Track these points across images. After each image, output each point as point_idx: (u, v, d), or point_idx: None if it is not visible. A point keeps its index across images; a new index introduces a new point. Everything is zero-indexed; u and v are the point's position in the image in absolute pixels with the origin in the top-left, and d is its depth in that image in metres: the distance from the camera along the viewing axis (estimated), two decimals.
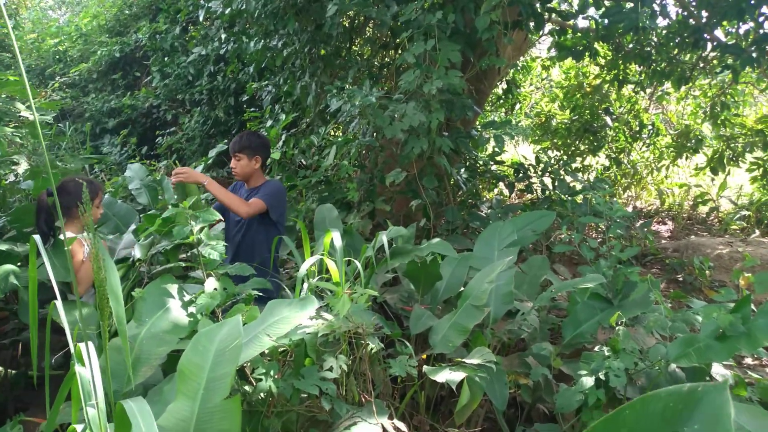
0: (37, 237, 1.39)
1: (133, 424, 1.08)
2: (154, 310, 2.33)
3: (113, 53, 10.19)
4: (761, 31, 4.84)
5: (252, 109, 7.02)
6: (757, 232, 7.82)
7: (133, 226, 3.91)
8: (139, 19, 10.50)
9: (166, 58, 8.88)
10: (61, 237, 2.90)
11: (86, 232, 3.31)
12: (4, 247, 2.97)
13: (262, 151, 3.67)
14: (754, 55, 4.69)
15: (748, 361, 4.05)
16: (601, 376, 2.43)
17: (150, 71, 9.54)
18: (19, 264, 3.11)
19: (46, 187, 3.60)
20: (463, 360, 2.59)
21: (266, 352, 2.28)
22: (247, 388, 2.23)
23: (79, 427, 1.21)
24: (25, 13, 13.25)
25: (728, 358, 2.32)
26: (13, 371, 3.83)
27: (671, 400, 1.19)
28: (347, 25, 5.46)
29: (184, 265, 3.36)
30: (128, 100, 9.74)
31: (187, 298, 2.40)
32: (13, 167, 3.28)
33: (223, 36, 6.82)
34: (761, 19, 4.78)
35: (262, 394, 2.20)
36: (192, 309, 2.33)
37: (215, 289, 2.42)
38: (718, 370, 2.63)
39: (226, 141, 7.54)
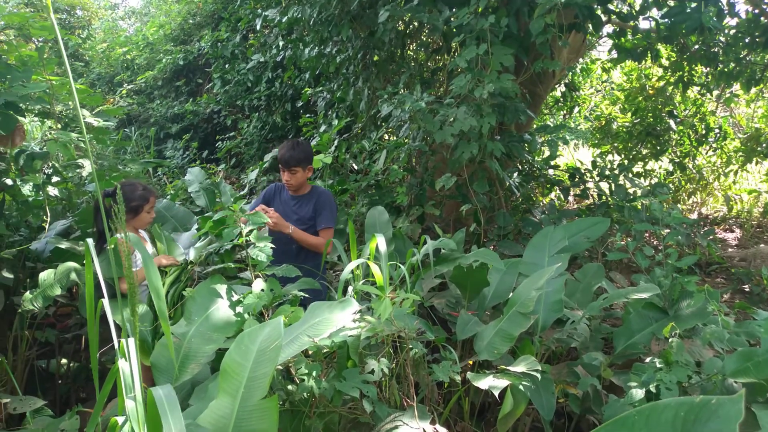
0: (89, 240, 1.46)
1: (159, 410, 1.12)
2: (203, 310, 2.41)
3: (177, 61, 10.58)
4: None
5: (307, 115, 7.15)
6: None
7: (194, 228, 4.03)
8: (202, 28, 10.87)
9: (226, 66, 9.16)
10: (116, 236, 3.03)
11: (142, 232, 3.47)
12: (64, 245, 3.13)
13: (312, 159, 3.69)
14: None
15: None
16: (652, 389, 2.35)
17: (211, 78, 9.87)
18: (82, 262, 3.28)
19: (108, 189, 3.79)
20: (508, 367, 2.55)
21: (310, 353, 2.32)
22: (290, 387, 2.27)
23: (120, 419, 1.27)
24: (97, 23, 13.94)
25: None
26: (76, 364, 4.04)
27: (682, 409, 1.19)
28: (401, 29, 5.49)
29: (235, 266, 3.45)
30: (191, 106, 10.09)
31: (235, 298, 2.46)
32: (77, 170, 3.46)
33: (281, 43, 6.98)
34: None
35: (305, 394, 2.23)
36: (239, 309, 2.39)
37: (262, 290, 2.48)
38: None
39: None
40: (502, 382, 2.41)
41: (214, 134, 10.14)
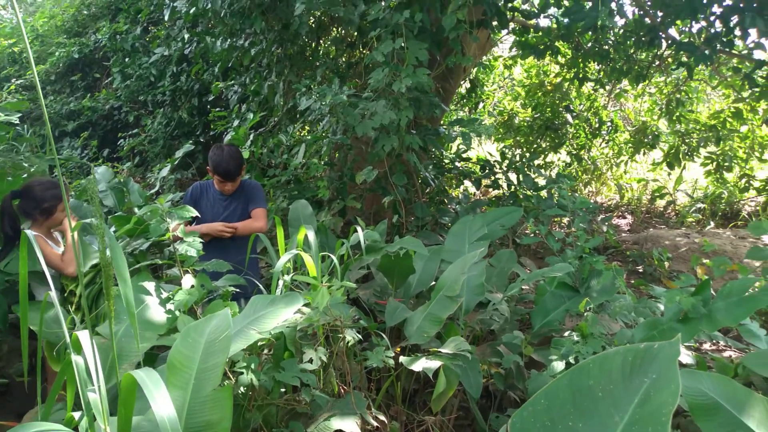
0: (29, 232, 1.39)
1: (145, 391, 1.10)
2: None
3: (72, 54, 9.96)
4: (713, 30, 5.05)
5: (218, 109, 6.97)
6: (712, 223, 8.13)
7: (111, 229, 3.86)
8: (98, 19, 10.28)
9: (126, 59, 8.73)
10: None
11: (54, 232, 3.28)
12: None
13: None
14: (707, 52, 4.89)
15: (706, 346, 4.23)
16: (572, 360, 2.53)
17: (110, 72, 9.38)
18: None
19: (9, 189, 3.54)
20: (439, 349, 2.65)
21: (245, 346, 2.30)
22: (227, 382, 2.25)
23: (76, 415, 1.22)
24: None
25: (690, 339, 2.44)
26: None
27: (629, 354, 1.38)
28: (313, 24, 5.48)
29: (163, 262, 3.35)
30: (88, 102, 9.55)
31: (164, 295, 2.40)
32: None
33: (186, 36, 6.76)
34: (713, 17, 4.98)
35: (242, 388, 2.22)
36: (170, 306, 2.33)
37: (192, 285, 2.43)
38: (681, 351, 2.74)
39: (191, 142, 7.46)
40: (435, 363, 2.50)
41: (115, 131, 9.64)
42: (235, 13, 4.97)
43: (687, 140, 8.31)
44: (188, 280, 2.44)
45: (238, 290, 2.72)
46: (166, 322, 2.31)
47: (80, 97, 9.93)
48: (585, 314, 2.76)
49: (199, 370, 1.56)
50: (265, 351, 2.43)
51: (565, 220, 6.75)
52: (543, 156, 8.94)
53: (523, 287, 4.52)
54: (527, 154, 8.26)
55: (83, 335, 1.25)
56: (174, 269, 2.62)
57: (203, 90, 8.12)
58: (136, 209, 4.72)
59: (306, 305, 2.43)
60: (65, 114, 9.78)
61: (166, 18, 5.68)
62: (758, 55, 5.78)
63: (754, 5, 4.56)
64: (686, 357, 2.73)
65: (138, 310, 2.28)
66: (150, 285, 2.41)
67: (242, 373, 2.13)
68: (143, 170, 8.89)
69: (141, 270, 3.23)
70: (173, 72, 8.38)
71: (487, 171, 5.84)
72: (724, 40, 5.05)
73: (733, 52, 5.95)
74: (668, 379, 1.29)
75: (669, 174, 9.33)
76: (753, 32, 4.88)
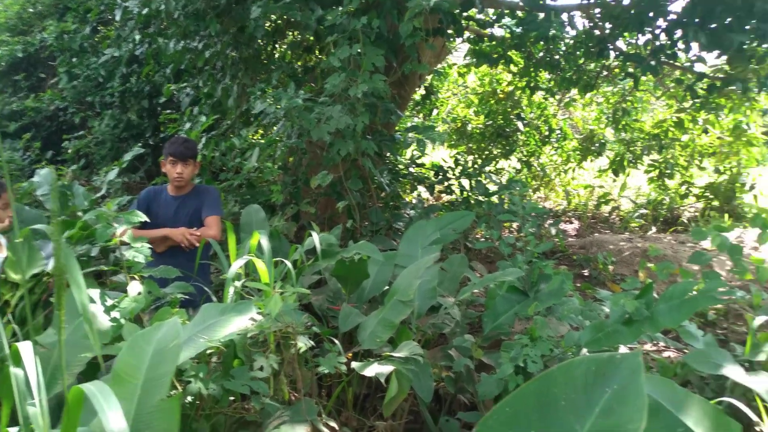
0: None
1: (97, 408, 1.06)
2: (74, 316, 2.25)
3: (15, 53, 9.60)
4: (658, 42, 5.25)
5: (168, 111, 6.83)
6: (654, 228, 8.42)
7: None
8: (44, 17, 9.94)
9: (74, 59, 8.47)
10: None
11: None
12: None
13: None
14: (652, 63, 5.08)
15: (647, 347, 4.38)
16: (521, 363, 2.57)
17: (56, 72, 9.08)
18: None
19: None
20: (391, 354, 2.66)
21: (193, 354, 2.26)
22: (174, 392, 2.20)
23: (12, 430, 1.17)
24: None
25: (634, 341, 2.52)
26: None
27: (593, 364, 1.37)
28: (269, 28, 5.44)
29: (97, 270, 3.24)
30: (32, 102, 9.22)
31: (109, 302, 2.33)
32: None
33: (138, 37, 6.61)
34: (658, 30, 5.18)
35: (189, 397, 2.18)
36: (115, 314, 2.27)
37: (139, 293, 2.37)
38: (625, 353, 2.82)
39: (140, 144, 7.29)
40: (387, 368, 2.51)
41: (59, 133, 9.31)
42: (189, 15, 4.89)
43: (632, 148, 8.61)
44: (135, 287, 2.38)
45: (186, 297, 2.66)
46: (111, 331, 2.24)
47: (23, 98, 9.58)
48: (534, 317, 2.81)
49: (146, 379, 1.52)
50: (214, 359, 2.39)
51: (515, 224, 6.89)
52: (494, 162, 9.10)
53: (474, 291, 4.60)
54: (479, 161, 8.40)
55: (25, 346, 1.20)
56: (119, 275, 2.55)
57: (154, 92, 7.95)
58: (80, 213, 4.58)
59: (258, 312, 2.40)
60: (7, 114, 9.41)
61: (118, 18, 5.54)
62: (699, 68, 6.03)
63: (696, 21, 4.77)
64: None
65: (80, 318, 2.20)
66: (94, 292, 2.34)
67: (190, 382, 2.09)
68: (89, 173, 8.61)
69: (85, 277, 3.13)
70: (123, 73, 8.17)
71: (440, 177, 5.91)
72: (668, 52, 5.27)
73: (676, 64, 6.21)
74: (634, 393, 1.28)
75: (614, 180, 9.63)
76: (695, 46, 5.10)
